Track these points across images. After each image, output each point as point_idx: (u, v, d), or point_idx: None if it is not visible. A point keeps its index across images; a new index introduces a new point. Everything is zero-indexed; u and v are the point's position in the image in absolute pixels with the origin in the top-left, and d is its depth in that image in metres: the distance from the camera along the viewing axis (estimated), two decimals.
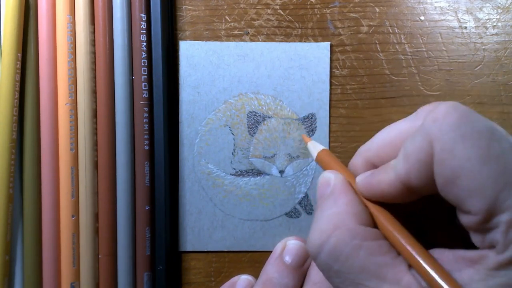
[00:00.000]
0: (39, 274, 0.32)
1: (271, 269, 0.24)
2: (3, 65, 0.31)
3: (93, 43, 0.33)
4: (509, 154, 0.17)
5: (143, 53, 0.33)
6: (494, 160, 0.17)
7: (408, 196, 0.20)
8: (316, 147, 0.30)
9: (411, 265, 0.19)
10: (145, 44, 0.33)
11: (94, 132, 0.33)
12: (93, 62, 0.33)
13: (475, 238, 0.18)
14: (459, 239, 0.20)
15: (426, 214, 0.23)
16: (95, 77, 0.33)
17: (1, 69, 0.31)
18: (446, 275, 0.18)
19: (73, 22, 0.33)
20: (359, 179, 0.22)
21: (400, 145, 0.21)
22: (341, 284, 0.20)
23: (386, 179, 0.20)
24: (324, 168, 0.29)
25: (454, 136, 0.17)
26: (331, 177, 0.23)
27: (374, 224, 0.21)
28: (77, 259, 0.33)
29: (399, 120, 0.23)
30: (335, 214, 0.20)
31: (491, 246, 0.17)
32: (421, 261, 0.18)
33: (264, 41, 0.34)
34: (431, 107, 0.21)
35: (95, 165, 0.33)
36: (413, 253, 0.19)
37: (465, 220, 0.18)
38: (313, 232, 0.20)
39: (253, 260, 0.35)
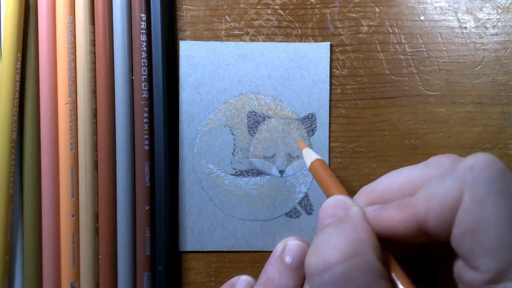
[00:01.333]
0: (39, 274, 0.32)
1: (271, 269, 0.24)
2: (3, 65, 0.31)
3: (93, 43, 0.33)
4: None
5: (143, 53, 0.33)
6: None
7: (415, 237, 0.20)
8: (310, 155, 0.30)
9: None
10: (145, 44, 0.33)
11: (94, 132, 0.33)
12: (93, 62, 0.33)
13: None
14: None
15: (419, 259, 0.23)
16: (95, 77, 0.33)
17: (1, 69, 0.31)
18: None
19: (73, 22, 0.33)
20: (369, 210, 0.21)
21: (409, 191, 0.20)
22: None
23: (399, 215, 0.20)
24: (316, 178, 0.29)
25: (489, 190, 0.17)
26: (349, 202, 0.22)
27: (384, 261, 0.20)
28: (77, 259, 0.33)
29: (407, 166, 0.22)
30: (356, 239, 0.19)
31: None
32: None
33: (264, 41, 0.34)
34: (444, 158, 0.21)
35: (95, 165, 0.33)
36: None
37: (470, 275, 0.18)
38: (325, 247, 0.19)
39: (253, 260, 0.35)
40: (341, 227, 0.20)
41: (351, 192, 0.24)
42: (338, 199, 0.22)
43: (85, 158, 0.33)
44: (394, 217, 0.20)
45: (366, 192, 0.23)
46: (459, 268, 0.18)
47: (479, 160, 0.18)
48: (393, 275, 0.20)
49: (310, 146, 0.34)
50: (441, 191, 0.18)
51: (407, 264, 0.21)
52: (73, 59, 0.32)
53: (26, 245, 0.32)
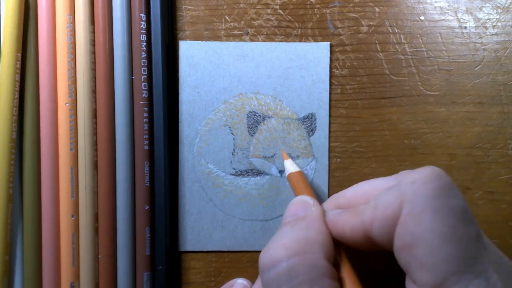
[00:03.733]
0: (39, 274, 0.32)
1: None
2: (3, 65, 0.31)
3: (93, 43, 0.33)
4: (471, 241, 0.17)
5: (143, 53, 0.33)
6: (456, 242, 0.17)
7: (366, 245, 0.20)
8: (292, 167, 0.32)
9: None
10: (145, 44, 0.33)
11: (94, 132, 0.33)
12: (93, 62, 0.33)
13: None
14: None
15: (379, 268, 0.23)
16: (95, 77, 0.33)
17: (1, 69, 0.31)
18: None
19: (73, 22, 0.33)
20: (329, 213, 0.22)
21: (371, 197, 0.20)
22: None
23: (350, 221, 0.20)
24: (293, 188, 0.30)
25: (425, 205, 0.17)
26: (310, 202, 0.23)
27: (334, 262, 0.21)
28: (77, 259, 0.33)
29: (379, 178, 0.22)
30: (306, 238, 0.20)
31: None
32: None
33: (264, 41, 0.34)
34: (410, 171, 0.21)
35: (95, 165, 0.33)
36: None
37: (411, 287, 0.18)
38: (276, 245, 0.20)
39: (253, 260, 0.35)
40: (295, 226, 0.21)
41: None
42: (301, 199, 0.23)
43: (85, 158, 0.33)
44: (347, 222, 0.20)
45: (336, 197, 0.23)
46: (407, 281, 0.19)
47: (422, 174, 0.18)
48: (343, 275, 0.20)
49: (310, 146, 0.34)
50: (384, 202, 0.18)
51: (375, 276, 0.22)
52: (73, 59, 0.32)
53: (26, 245, 0.32)
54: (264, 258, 0.20)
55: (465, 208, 0.18)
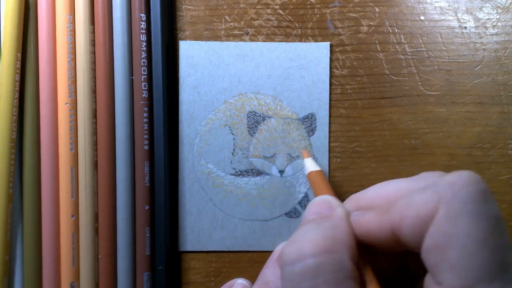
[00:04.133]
0: (39, 274, 0.32)
1: (268, 272, 0.24)
2: (3, 65, 0.31)
3: (93, 43, 0.33)
4: (505, 250, 0.17)
5: (143, 53, 0.33)
6: (491, 249, 0.17)
7: (390, 244, 0.20)
8: (312, 166, 0.31)
9: None
10: (145, 44, 0.33)
11: (94, 132, 0.33)
12: (93, 62, 0.33)
13: None
14: None
15: (389, 274, 0.23)
16: (95, 77, 0.33)
17: (1, 69, 0.31)
18: None
19: (73, 22, 0.33)
20: (353, 214, 0.22)
21: (394, 201, 0.20)
22: None
23: (376, 220, 0.20)
24: (313, 186, 0.30)
25: (464, 209, 0.17)
26: (334, 202, 0.22)
27: (358, 264, 0.21)
28: (77, 259, 0.33)
29: (398, 179, 0.22)
30: (333, 237, 0.20)
31: None
32: None
33: (264, 41, 0.34)
34: (433, 173, 0.21)
35: (95, 165, 0.33)
36: None
37: None
38: (302, 240, 0.20)
39: (253, 260, 0.35)
40: (322, 224, 0.20)
41: (348, 193, 0.24)
42: (325, 198, 0.23)
43: (85, 158, 0.33)
44: (373, 222, 0.20)
45: (355, 198, 0.23)
46: (428, 283, 0.18)
47: (461, 177, 0.18)
48: (366, 279, 0.20)
49: (310, 146, 0.34)
50: (418, 202, 0.18)
51: (387, 282, 0.22)
52: (73, 59, 0.32)
53: (26, 245, 0.32)
54: (289, 252, 0.20)
55: (500, 217, 0.18)
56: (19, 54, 0.32)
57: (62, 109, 0.32)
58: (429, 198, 0.18)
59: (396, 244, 0.20)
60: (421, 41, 0.34)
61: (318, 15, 0.34)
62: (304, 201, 0.34)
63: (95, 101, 0.33)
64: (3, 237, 0.31)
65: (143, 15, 0.33)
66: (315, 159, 0.34)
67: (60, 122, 0.32)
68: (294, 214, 0.34)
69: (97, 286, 0.33)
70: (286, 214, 0.34)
